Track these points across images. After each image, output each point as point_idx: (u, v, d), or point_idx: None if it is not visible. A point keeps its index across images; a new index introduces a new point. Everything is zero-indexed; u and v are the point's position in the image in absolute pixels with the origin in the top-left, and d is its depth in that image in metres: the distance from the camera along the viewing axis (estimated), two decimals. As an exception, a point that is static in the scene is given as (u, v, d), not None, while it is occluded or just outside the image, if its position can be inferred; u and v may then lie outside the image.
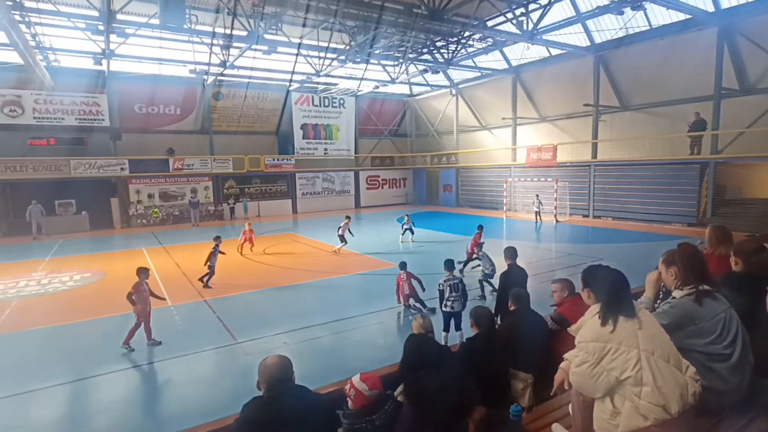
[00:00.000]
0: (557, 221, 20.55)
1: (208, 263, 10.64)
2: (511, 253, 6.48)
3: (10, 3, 13.84)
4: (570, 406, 2.85)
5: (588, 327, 2.42)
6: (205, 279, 10.68)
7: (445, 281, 6.73)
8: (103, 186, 22.84)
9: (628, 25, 18.31)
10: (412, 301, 8.32)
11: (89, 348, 7.21)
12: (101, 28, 16.23)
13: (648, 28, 18.11)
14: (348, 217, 15.09)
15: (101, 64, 20.01)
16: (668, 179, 18.26)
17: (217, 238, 11.23)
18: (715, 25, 16.28)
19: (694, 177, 17.52)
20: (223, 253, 11.36)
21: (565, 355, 2.71)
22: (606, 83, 20.69)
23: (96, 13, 16.38)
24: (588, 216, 21.35)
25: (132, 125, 24.11)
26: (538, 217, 20.67)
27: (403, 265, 8.54)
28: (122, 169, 22.82)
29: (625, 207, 19.88)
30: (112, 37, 17.66)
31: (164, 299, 8.56)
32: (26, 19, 15.64)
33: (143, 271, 7.18)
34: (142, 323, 7.06)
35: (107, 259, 14.44)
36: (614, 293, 2.40)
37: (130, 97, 23.46)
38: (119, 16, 16.28)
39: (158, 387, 6.00)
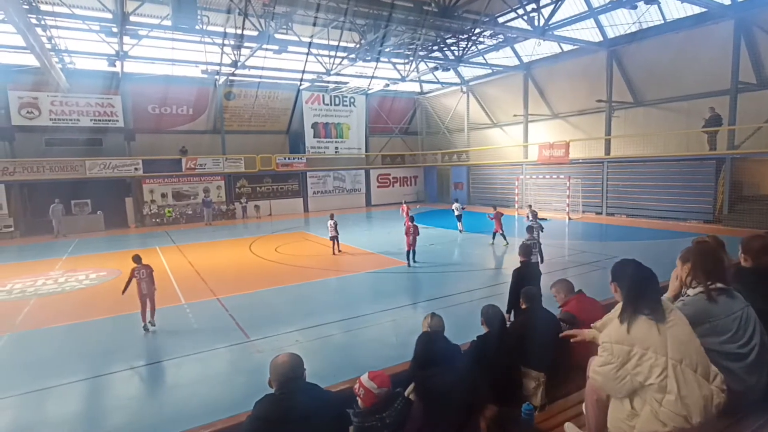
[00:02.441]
0: (570, 219, 20.35)
1: (332, 234, 14.01)
2: (525, 250, 6.46)
3: (27, 7, 14.11)
4: (583, 405, 2.83)
5: (613, 327, 2.34)
6: (335, 248, 14.13)
7: (528, 240, 8.72)
8: (117, 186, 23.21)
9: (642, 19, 18.03)
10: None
11: (105, 345, 7.33)
12: (115, 30, 16.48)
13: (662, 22, 17.83)
14: (463, 205, 17.95)
15: (115, 66, 20.28)
16: (683, 175, 17.96)
17: (333, 215, 14.45)
18: (732, 17, 15.94)
19: (710, 173, 17.21)
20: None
21: (594, 324, 2.65)
22: (619, 79, 20.41)
23: (110, 16, 16.62)
24: (601, 213, 21.09)
25: (145, 126, 24.44)
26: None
27: (412, 219, 12.18)
28: (136, 169, 23.14)
29: (639, 204, 19.60)
30: (126, 39, 17.92)
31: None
32: (42, 22, 15.93)
33: (137, 258, 7.96)
34: (146, 302, 7.80)
35: (122, 257, 14.61)
36: (634, 290, 2.31)
37: (143, 98, 23.79)
38: (132, 18, 16.48)
39: (172, 384, 6.08)
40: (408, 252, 11.99)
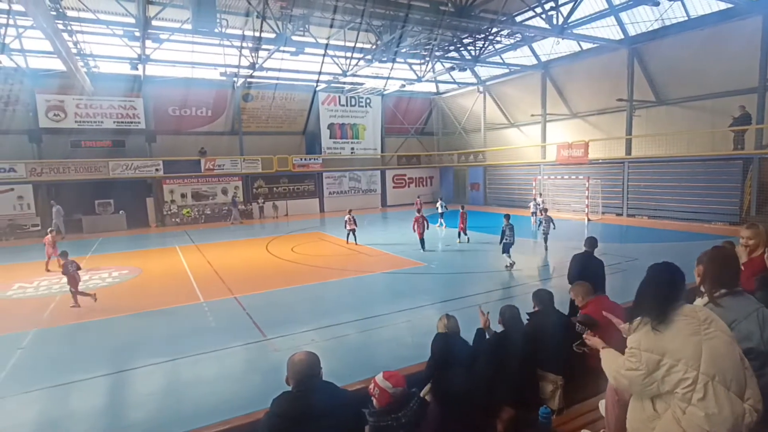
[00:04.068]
0: (589, 220, 20.01)
1: (351, 227, 15.27)
2: (590, 242, 6.55)
3: (54, 13, 14.55)
4: (602, 404, 2.77)
5: (643, 332, 2.22)
6: (354, 238, 15.44)
7: (506, 225, 11.34)
8: (139, 186, 23.73)
9: (665, 16, 17.63)
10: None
11: (127, 342, 7.50)
12: (137, 34, 16.82)
13: (686, 18, 17.39)
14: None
15: (137, 69, 20.75)
16: (709, 176, 17.46)
17: (350, 211, 15.67)
18: (759, 13, 15.48)
19: (736, 173, 16.70)
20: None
21: (623, 327, 2.58)
22: (641, 77, 19.98)
23: (132, 20, 17.00)
24: (622, 214, 20.69)
25: (166, 127, 24.96)
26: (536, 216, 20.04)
27: (418, 211, 14.64)
28: (157, 170, 23.62)
29: (662, 205, 19.14)
30: (148, 43, 18.28)
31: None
32: (68, 27, 16.42)
33: (64, 254, 9.61)
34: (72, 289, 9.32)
35: (143, 256, 14.97)
36: (658, 298, 2.21)
37: (164, 100, 24.30)
38: (154, 23, 16.82)
39: (191, 381, 6.17)
40: (420, 239, 14.25)
